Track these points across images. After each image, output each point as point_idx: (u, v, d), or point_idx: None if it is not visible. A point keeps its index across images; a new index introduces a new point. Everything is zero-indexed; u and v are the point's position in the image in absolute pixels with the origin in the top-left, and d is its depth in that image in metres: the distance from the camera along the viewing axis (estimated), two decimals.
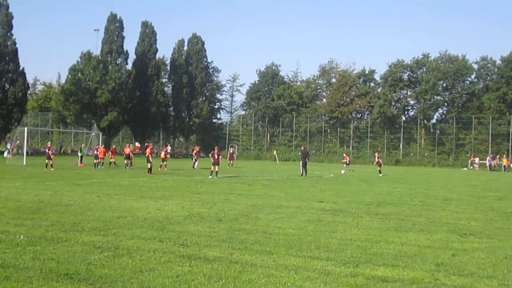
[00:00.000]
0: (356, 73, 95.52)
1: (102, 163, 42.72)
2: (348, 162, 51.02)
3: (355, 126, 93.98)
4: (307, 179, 34.45)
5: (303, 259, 9.43)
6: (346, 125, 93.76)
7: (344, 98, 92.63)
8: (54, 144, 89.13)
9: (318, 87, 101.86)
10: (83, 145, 50.34)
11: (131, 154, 43.38)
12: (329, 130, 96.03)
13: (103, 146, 46.71)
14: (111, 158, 44.64)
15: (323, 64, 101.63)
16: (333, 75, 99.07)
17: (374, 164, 46.74)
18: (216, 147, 36.69)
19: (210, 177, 32.97)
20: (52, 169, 37.14)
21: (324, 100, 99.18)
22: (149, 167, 36.25)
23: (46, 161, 38.67)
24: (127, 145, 47.73)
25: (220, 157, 35.53)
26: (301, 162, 38.75)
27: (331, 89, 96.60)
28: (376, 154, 48.48)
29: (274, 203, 18.67)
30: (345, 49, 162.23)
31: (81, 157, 46.41)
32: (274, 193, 22.73)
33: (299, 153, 42.33)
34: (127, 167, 41.61)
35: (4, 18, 69.07)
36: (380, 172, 42.94)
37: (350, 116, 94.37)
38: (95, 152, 42.72)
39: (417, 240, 11.79)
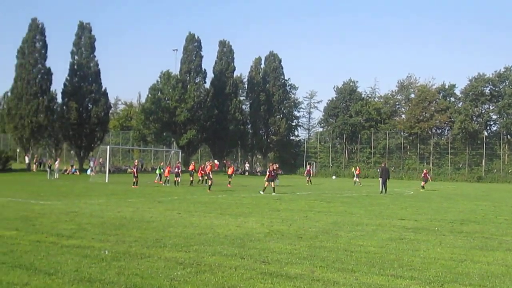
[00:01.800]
0: (435, 88, 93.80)
1: (168, 180, 43.37)
2: (359, 175, 50.60)
3: (435, 142, 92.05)
4: (387, 196, 33.94)
5: (386, 277, 9.26)
6: (425, 141, 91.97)
7: (424, 113, 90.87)
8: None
9: (397, 103, 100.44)
10: (162, 163, 51.18)
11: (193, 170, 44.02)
12: (408, 147, 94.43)
13: (168, 163, 47.56)
14: (200, 176, 44.28)
15: (401, 79, 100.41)
16: (412, 90, 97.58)
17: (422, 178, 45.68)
18: (271, 164, 36.91)
19: (261, 192, 33.56)
20: (136, 186, 37.87)
21: (403, 116, 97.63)
22: (209, 184, 36.48)
23: (134, 179, 39.53)
24: (192, 162, 48.68)
25: (276, 173, 36.16)
26: (380, 179, 38.26)
27: (410, 104, 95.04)
28: (424, 170, 47.42)
29: (354, 220, 18.46)
30: (424, 64, 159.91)
31: (160, 175, 47.09)
32: (354, 210, 22.50)
33: (378, 170, 41.85)
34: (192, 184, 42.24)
35: (87, 40, 71.43)
36: (422, 187, 42.38)
37: (430, 132, 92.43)
38: (176, 170, 43.30)
39: (505, 259, 11.37)
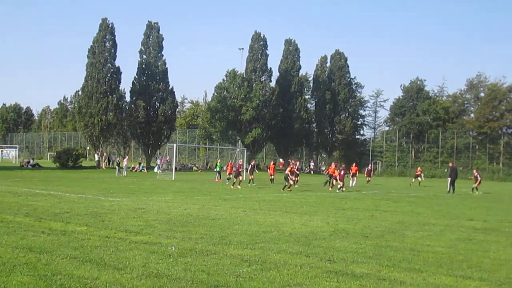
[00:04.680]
0: (506, 86, 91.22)
1: (228, 178, 42.51)
2: (356, 174, 45.36)
3: (506, 142, 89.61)
4: (454, 196, 33.27)
5: (454, 278, 9.11)
6: (495, 141, 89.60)
7: (494, 112, 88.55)
8: (201, 160, 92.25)
9: (466, 102, 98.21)
10: (219, 160, 51.14)
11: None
12: (477, 146, 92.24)
13: (230, 161, 47.39)
14: (271, 175, 43.59)
15: (470, 78, 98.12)
16: (482, 89, 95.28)
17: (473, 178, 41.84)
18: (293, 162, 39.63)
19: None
20: (239, 187, 35.25)
21: (472, 115, 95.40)
22: (290, 183, 34.51)
23: (235, 179, 36.65)
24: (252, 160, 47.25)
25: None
26: (449, 179, 37.39)
27: (479, 103, 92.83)
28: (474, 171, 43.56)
29: (421, 220, 18.20)
30: (494, 62, 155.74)
31: (219, 172, 47.17)
32: (420, 210, 22.17)
33: (446, 170, 40.86)
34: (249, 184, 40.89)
35: (155, 40, 72.70)
36: (475, 189, 38.57)
37: (500, 132, 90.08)
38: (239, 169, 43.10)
39: None
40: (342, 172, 35.35)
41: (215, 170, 48.25)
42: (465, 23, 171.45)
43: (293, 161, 43.90)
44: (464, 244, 13.01)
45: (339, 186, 35.10)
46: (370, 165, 54.10)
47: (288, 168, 37.12)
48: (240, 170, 37.42)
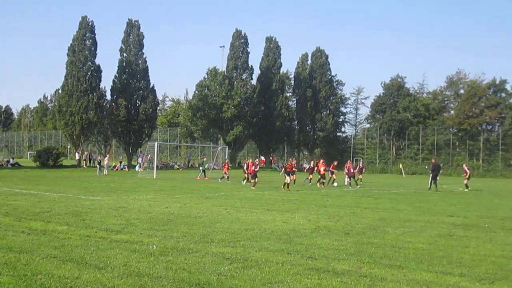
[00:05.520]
0: (486, 83, 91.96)
1: (227, 177, 42.24)
2: (332, 171, 42.65)
3: (485, 138, 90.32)
4: (435, 193, 33.43)
5: (435, 274, 9.18)
6: (475, 138, 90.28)
7: (473, 109, 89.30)
8: (182, 158, 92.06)
9: (446, 99, 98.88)
10: (204, 159, 50.98)
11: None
12: (457, 143, 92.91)
13: (226, 160, 47.22)
14: (224, 172, 43.41)
15: (450, 75, 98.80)
16: (461, 86, 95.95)
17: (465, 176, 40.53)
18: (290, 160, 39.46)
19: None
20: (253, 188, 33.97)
21: (452, 112, 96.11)
22: (287, 182, 33.35)
23: (253, 179, 35.14)
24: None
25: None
26: (431, 175, 37.10)
27: (459, 100, 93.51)
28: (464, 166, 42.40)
29: (402, 217, 18.31)
30: (474, 60, 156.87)
31: (204, 171, 46.87)
32: (401, 207, 22.30)
33: (426, 167, 40.73)
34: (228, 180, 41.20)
35: (136, 38, 72.31)
36: (466, 185, 37.63)
37: (479, 128, 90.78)
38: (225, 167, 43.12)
39: None
40: (352, 170, 35.34)
41: (200, 168, 47.99)
42: (445, 20, 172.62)
43: (256, 160, 43.43)
44: (445, 240, 13.10)
45: (345, 182, 35.31)
46: (361, 162, 51.85)
47: (288, 165, 36.63)
48: (256, 170, 36.79)
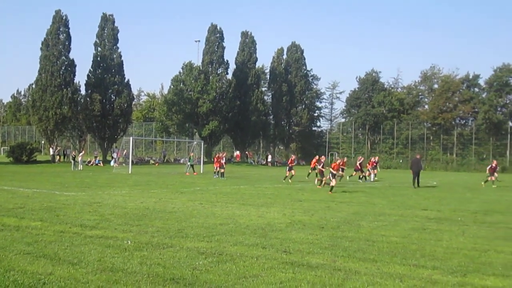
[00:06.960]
0: (459, 78, 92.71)
1: (221, 173, 40.98)
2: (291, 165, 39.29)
3: (459, 132, 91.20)
4: (410, 187, 33.42)
5: (408, 267, 9.26)
6: (449, 132, 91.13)
7: (447, 104, 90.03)
8: (157, 153, 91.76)
9: (420, 94, 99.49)
10: (192, 154, 50.68)
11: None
12: (431, 137, 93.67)
13: (216, 155, 46.56)
14: (215, 167, 42.66)
15: (424, 69, 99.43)
16: (435, 80, 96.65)
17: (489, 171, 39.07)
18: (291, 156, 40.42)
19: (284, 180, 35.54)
20: (290, 182, 34.91)
21: (426, 106, 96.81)
22: (288, 175, 36.43)
23: (288, 172, 36.56)
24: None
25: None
26: (413, 171, 34.75)
27: (433, 95, 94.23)
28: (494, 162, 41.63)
29: (377, 210, 18.44)
30: (448, 55, 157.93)
31: (192, 166, 46.72)
32: (376, 201, 22.46)
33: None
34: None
35: (110, 32, 71.75)
36: (489, 181, 37.91)
37: (453, 123, 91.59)
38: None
39: None
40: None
41: (188, 163, 47.74)
42: (419, 15, 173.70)
43: (220, 154, 43.32)
44: (418, 233, 13.22)
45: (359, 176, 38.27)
46: (373, 157, 45.91)
47: (289, 160, 37.75)
48: (292, 164, 37.56)
